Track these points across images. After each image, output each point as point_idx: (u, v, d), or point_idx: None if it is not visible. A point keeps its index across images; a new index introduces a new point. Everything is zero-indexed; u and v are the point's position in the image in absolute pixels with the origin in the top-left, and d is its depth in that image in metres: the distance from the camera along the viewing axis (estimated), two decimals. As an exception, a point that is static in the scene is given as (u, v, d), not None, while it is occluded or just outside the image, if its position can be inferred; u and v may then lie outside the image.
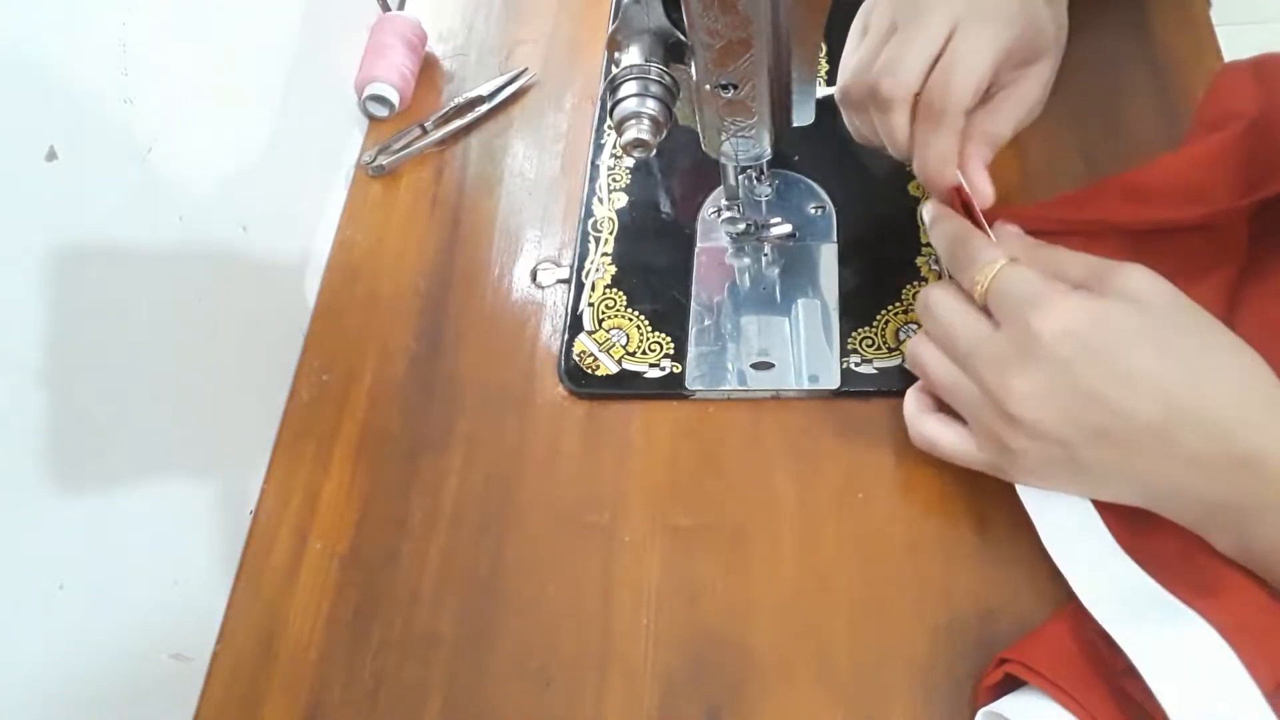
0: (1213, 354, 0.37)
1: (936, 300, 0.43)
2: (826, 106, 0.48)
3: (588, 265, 0.56)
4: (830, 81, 0.61)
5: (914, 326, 0.51)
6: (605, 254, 0.57)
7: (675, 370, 0.52)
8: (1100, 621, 0.37)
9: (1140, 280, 0.38)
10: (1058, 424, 0.37)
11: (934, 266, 0.53)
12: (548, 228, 0.59)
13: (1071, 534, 0.41)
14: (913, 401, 0.45)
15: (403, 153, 0.63)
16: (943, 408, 0.44)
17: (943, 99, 0.42)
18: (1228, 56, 0.53)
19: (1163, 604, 0.37)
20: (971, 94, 0.43)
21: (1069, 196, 0.46)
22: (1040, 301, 0.37)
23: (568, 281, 0.56)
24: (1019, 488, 0.42)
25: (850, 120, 0.50)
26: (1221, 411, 0.36)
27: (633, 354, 0.53)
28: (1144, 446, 0.36)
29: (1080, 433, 0.37)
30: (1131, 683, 0.36)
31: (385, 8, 0.66)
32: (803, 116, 0.47)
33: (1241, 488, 0.35)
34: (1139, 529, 0.40)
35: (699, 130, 0.46)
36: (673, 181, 0.59)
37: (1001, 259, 0.40)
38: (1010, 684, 0.40)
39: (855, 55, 0.47)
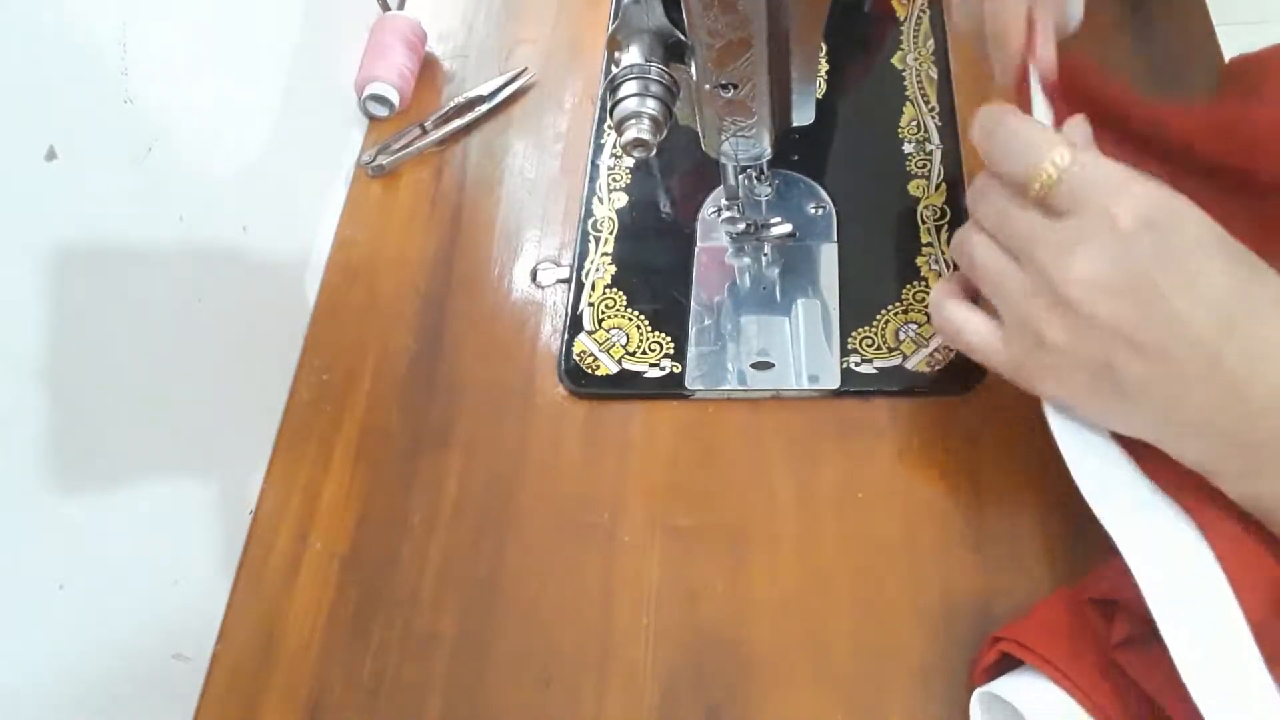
0: (1263, 278, 0.35)
1: (997, 189, 0.39)
2: (826, 106, 0.48)
3: (588, 265, 0.56)
4: (830, 82, 0.61)
5: (914, 326, 0.51)
6: (605, 254, 0.57)
7: (675, 370, 0.52)
8: (1097, 513, 0.36)
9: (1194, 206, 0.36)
10: (1111, 319, 0.35)
11: (934, 266, 0.53)
12: (548, 228, 0.59)
13: (1097, 455, 0.39)
14: (941, 287, 0.42)
15: (403, 153, 0.63)
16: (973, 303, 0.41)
17: None
18: (1228, 56, 0.53)
19: (1168, 513, 0.36)
20: None
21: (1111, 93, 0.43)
22: (1121, 188, 0.35)
23: (568, 281, 0.56)
24: (1048, 411, 0.39)
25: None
26: (1272, 334, 0.34)
27: (633, 354, 0.53)
28: (1185, 364, 0.34)
29: (1128, 337, 0.35)
30: (1124, 655, 0.36)
31: (385, 8, 0.66)
32: (803, 116, 0.47)
33: (1269, 422, 0.34)
34: (1147, 462, 0.39)
35: (699, 130, 0.46)
36: (673, 181, 0.59)
37: (1068, 149, 0.36)
38: (1004, 667, 0.40)
39: None
